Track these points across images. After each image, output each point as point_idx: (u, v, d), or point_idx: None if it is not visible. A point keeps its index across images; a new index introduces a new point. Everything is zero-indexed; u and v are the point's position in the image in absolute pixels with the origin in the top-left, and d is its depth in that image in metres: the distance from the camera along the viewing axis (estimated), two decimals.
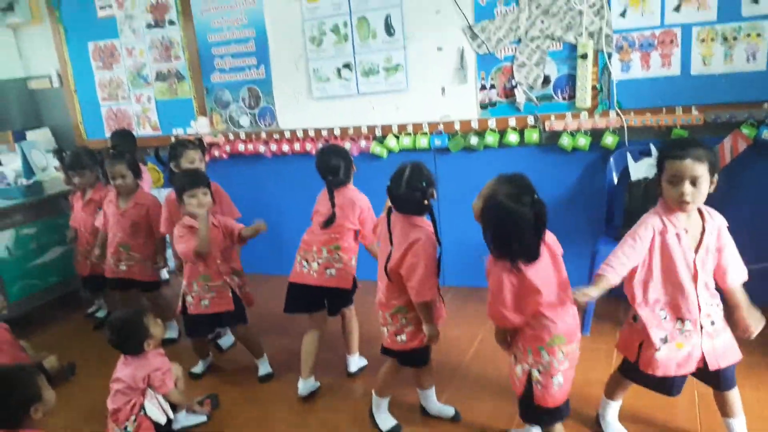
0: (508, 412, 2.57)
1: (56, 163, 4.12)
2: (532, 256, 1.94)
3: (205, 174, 3.00)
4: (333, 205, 2.75)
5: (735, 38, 3.05)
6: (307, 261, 2.83)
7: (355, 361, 3.08)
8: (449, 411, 2.62)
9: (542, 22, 3.39)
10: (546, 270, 1.99)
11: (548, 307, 1.97)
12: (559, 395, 2.04)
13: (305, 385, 2.88)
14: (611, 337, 3.17)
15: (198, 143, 3.41)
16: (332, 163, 2.76)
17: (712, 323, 2.09)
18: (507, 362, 2.20)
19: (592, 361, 2.94)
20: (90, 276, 3.82)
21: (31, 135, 4.78)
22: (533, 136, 3.51)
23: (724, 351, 2.10)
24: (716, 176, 1.97)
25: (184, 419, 2.75)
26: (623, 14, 3.24)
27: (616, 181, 3.38)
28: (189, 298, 2.95)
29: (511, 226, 1.90)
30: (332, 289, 2.84)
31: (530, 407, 2.07)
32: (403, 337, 2.39)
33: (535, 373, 2.01)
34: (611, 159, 3.38)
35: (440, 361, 2.91)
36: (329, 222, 2.76)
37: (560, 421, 2.13)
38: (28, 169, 4.21)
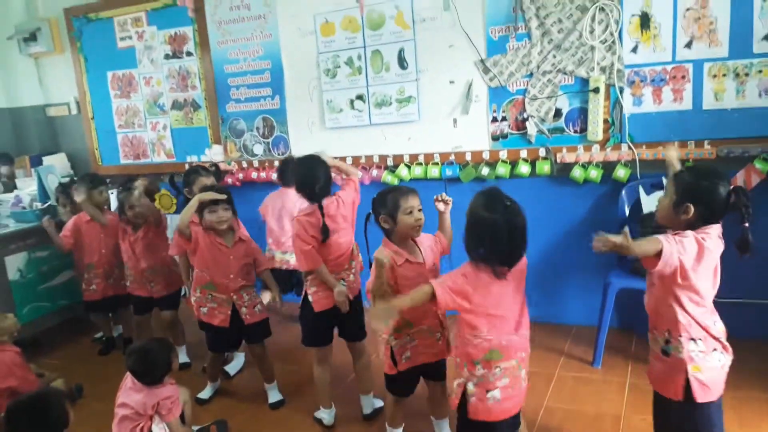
0: None
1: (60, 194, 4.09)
2: (506, 261, 1.96)
3: (226, 189, 3.03)
4: (323, 217, 2.65)
5: (747, 74, 3.08)
6: (344, 279, 2.75)
7: (370, 402, 2.93)
8: None
9: (554, 56, 3.44)
10: (504, 293, 2.00)
11: (489, 324, 1.97)
12: (495, 410, 2.00)
13: (331, 413, 2.87)
14: (623, 370, 3.13)
15: (213, 169, 3.46)
16: (317, 173, 2.69)
17: None
18: (529, 393, 2.16)
19: (604, 393, 2.91)
20: (102, 299, 3.82)
21: (47, 160, 4.86)
22: (545, 167, 3.53)
23: None
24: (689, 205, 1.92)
25: None
26: (635, 50, 3.28)
27: (627, 213, 3.38)
28: (192, 300, 3.01)
29: (484, 233, 1.95)
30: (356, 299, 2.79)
31: (464, 421, 2.05)
32: (407, 355, 2.39)
33: (470, 386, 2.01)
34: (623, 191, 3.39)
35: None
36: (325, 239, 2.66)
37: None
38: (43, 194, 4.25)
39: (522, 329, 2.03)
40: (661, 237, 1.88)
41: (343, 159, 4.04)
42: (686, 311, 1.93)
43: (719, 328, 1.99)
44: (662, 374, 2.03)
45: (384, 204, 2.35)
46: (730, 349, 1.99)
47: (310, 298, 2.76)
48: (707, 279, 1.94)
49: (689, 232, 1.91)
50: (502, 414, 2.02)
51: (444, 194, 2.50)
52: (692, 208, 1.90)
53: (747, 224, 1.90)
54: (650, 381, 2.13)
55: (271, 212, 3.82)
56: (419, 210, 2.36)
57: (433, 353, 2.41)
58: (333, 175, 2.80)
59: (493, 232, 1.93)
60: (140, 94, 4.76)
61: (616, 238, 1.81)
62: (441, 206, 2.49)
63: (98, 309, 3.89)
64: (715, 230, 1.93)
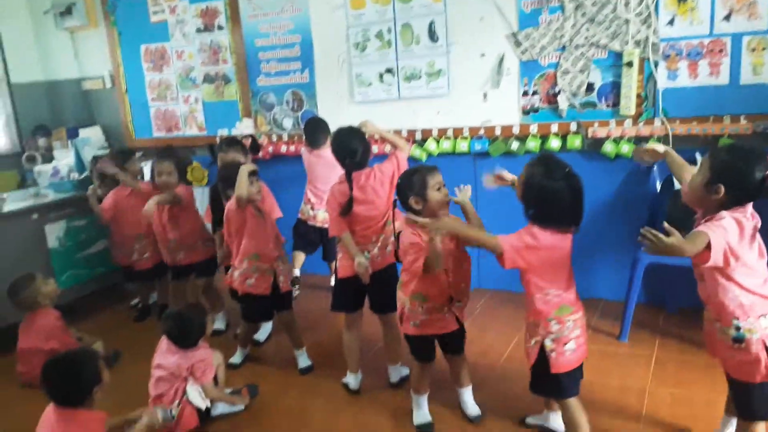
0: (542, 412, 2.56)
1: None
2: (574, 222, 2.09)
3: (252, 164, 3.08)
4: (351, 188, 2.68)
5: None
6: (368, 251, 2.76)
7: (397, 371, 2.98)
8: (473, 411, 2.63)
9: (587, 29, 3.40)
10: (567, 252, 2.14)
11: (555, 283, 2.10)
12: (572, 360, 2.13)
13: (357, 379, 2.94)
14: (650, 344, 3.13)
15: (250, 142, 3.53)
16: (352, 145, 2.72)
17: None
18: None
19: (630, 366, 2.92)
20: (153, 267, 3.94)
21: (83, 132, 4.97)
22: (576, 142, 3.50)
23: None
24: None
25: (222, 407, 2.81)
26: (671, 23, 3.22)
27: (659, 189, 3.34)
28: (236, 273, 3.04)
29: (550, 201, 2.04)
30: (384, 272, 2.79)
31: (542, 377, 2.16)
32: (416, 321, 2.45)
33: (548, 343, 2.11)
34: (655, 167, 3.35)
35: (475, 363, 2.92)
36: (347, 210, 2.68)
37: (572, 396, 2.17)
38: (80, 165, 4.37)
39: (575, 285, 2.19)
40: (704, 229, 1.85)
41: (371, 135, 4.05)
42: (747, 290, 1.90)
43: None
44: (742, 363, 1.95)
45: (411, 185, 2.37)
46: None
47: (337, 264, 2.84)
48: (752, 252, 1.92)
49: (724, 213, 1.88)
50: (577, 362, 2.16)
51: (463, 186, 2.50)
52: (723, 189, 1.86)
53: None
54: (727, 370, 2.05)
55: (318, 172, 3.82)
56: (444, 186, 2.41)
57: (441, 326, 2.46)
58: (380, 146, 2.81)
59: (560, 199, 2.03)
60: (172, 67, 4.82)
61: (669, 240, 1.76)
62: (460, 196, 2.43)
63: (146, 277, 4.01)
64: (747, 210, 1.92)
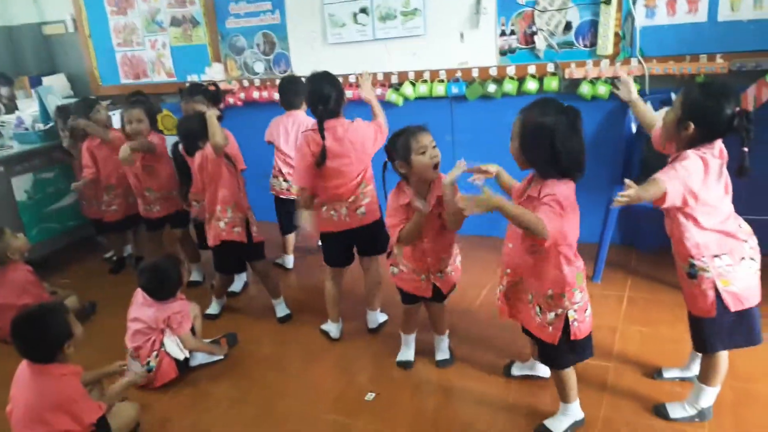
0: (515, 355, 2.62)
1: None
2: (582, 168, 1.91)
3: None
4: (323, 137, 2.60)
5: None
6: (335, 210, 2.73)
7: (375, 318, 3.02)
8: (439, 356, 2.68)
9: None
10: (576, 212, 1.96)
11: (574, 248, 1.97)
12: (591, 323, 2.07)
13: (337, 327, 2.96)
14: (622, 284, 3.19)
15: (213, 90, 3.40)
16: (324, 90, 2.62)
17: None
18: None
19: (602, 306, 2.97)
20: (123, 219, 3.88)
21: (47, 80, 4.78)
22: (552, 83, 3.45)
23: None
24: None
25: (201, 357, 2.83)
26: None
27: (634, 130, 3.32)
28: (221, 224, 2.98)
29: (557, 142, 1.84)
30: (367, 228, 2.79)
31: (561, 348, 2.04)
32: (394, 270, 2.50)
33: (572, 314, 2.00)
34: (630, 108, 3.31)
35: (451, 308, 2.94)
36: (321, 161, 2.60)
37: (581, 360, 2.12)
38: (45, 115, 4.22)
39: None
40: (661, 177, 1.88)
41: (346, 77, 3.96)
42: (705, 228, 1.94)
43: (746, 229, 2.01)
44: (692, 296, 2.05)
45: (395, 149, 2.31)
46: (757, 250, 2.01)
47: (304, 222, 2.85)
48: (718, 188, 1.94)
49: (689, 152, 1.91)
50: (592, 324, 2.09)
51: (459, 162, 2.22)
52: (692, 126, 1.89)
53: (746, 149, 1.89)
54: (685, 302, 2.13)
55: (284, 139, 3.53)
56: (433, 147, 2.29)
57: (415, 287, 2.48)
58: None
59: (560, 135, 1.84)
60: (137, 10, 4.61)
61: (627, 194, 1.80)
62: (449, 177, 2.20)
63: (116, 229, 3.95)
64: (716, 146, 1.93)
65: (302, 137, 2.69)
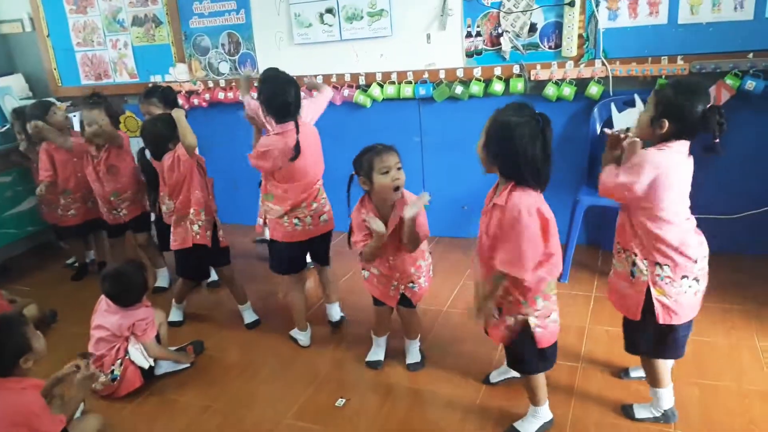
0: (485, 358, 2.63)
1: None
2: (544, 180, 1.89)
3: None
4: (297, 131, 2.59)
5: None
6: (299, 219, 2.72)
7: (336, 310, 3.06)
8: (409, 359, 2.68)
9: None
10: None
11: (547, 255, 1.94)
12: (555, 331, 2.07)
13: (306, 335, 2.93)
14: (589, 284, 3.23)
15: (160, 93, 3.33)
16: (294, 92, 2.60)
17: None
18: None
19: (570, 306, 3.01)
20: (81, 224, 3.77)
21: (3, 81, 4.62)
22: (518, 85, 3.47)
23: None
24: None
25: (167, 365, 2.77)
26: None
27: (599, 131, 3.37)
28: (195, 227, 2.92)
29: (519, 141, 1.82)
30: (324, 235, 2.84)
31: (524, 354, 2.06)
32: (365, 273, 2.51)
33: (533, 320, 1.99)
34: (595, 109, 3.37)
35: (421, 309, 2.95)
36: (296, 155, 2.59)
37: (550, 368, 2.12)
38: (1, 117, 4.09)
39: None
40: (612, 171, 1.96)
41: (313, 78, 3.93)
42: (653, 233, 1.95)
43: (702, 251, 2.01)
44: (623, 295, 2.10)
45: (360, 165, 2.31)
46: (703, 275, 2.03)
47: (268, 224, 2.86)
48: (677, 198, 1.96)
49: (648, 153, 1.93)
50: (557, 332, 2.08)
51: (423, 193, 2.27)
52: (666, 123, 1.92)
53: (717, 140, 1.93)
54: (610, 299, 2.21)
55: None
56: (398, 169, 2.28)
57: (382, 293, 2.50)
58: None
59: (523, 136, 1.82)
60: (97, 8, 4.48)
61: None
62: (410, 211, 2.22)
63: (75, 234, 3.85)
64: (681, 146, 1.95)
65: (268, 139, 2.65)
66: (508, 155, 1.87)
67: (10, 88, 4.44)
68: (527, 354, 2.06)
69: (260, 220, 2.94)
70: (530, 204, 1.86)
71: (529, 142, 1.83)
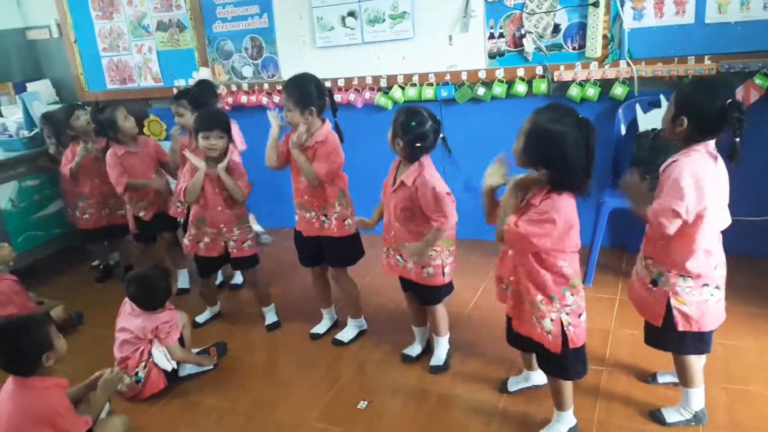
0: (508, 360, 2.60)
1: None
2: (585, 188, 1.86)
3: (223, 116, 2.97)
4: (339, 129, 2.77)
5: None
6: (326, 215, 2.75)
7: (330, 313, 3.09)
8: (432, 361, 2.67)
9: None
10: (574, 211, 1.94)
11: (572, 249, 1.94)
12: (585, 331, 2.02)
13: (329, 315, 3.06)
14: (613, 287, 3.18)
15: (189, 95, 3.36)
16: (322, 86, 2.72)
17: None
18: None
19: (594, 309, 2.94)
20: (94, 229, 3.81)
21: (31, 86, 4.71)
22: (541, 86, 3.44)
23: None
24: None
25: (190, 367, 2.79)
26: None
27: (624, 132, 3.33)
28: (185, 240, 3.01)
29: (563, 151, 1.79)
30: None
31: (570, 360, 2.01)
32: (429, 270, 2.49)
33: (565, 317, 1.95)
34: (620, 110, 3.32)
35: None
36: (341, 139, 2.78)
37: (585, 374, 2.08)
38: (29, 121, 4.16)
39: None
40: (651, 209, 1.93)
41: (335, 80, 3.94)
42: (687, 247, 1.94)
43: (722, 257, 2.01)
44: (644, 300, 2.11)
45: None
46: (723, 282, 2.02)
47: None
48: (713, 206, 1.92)
49: (683, 170, 1.88)
50: (587, 332, 2.04)
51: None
52: (686, 121, 1.90)
53: (737, 139, 1.89)
54: (630, 298, 2.22)
55: None
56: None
57: (384, 261, 2.61)
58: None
59: (573, 146, 1.79)
60: (123, 14, 4.56)
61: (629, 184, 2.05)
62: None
63: (92, 238, 3.90)
64: (706, 147, 1.92)
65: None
66: (550, 162, 1.84)
67: (38, 93, 4.51)
68: (568, 359, 2.01)
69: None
70: (561, 207, 1.87)
71: (574, 152, 1.80)
